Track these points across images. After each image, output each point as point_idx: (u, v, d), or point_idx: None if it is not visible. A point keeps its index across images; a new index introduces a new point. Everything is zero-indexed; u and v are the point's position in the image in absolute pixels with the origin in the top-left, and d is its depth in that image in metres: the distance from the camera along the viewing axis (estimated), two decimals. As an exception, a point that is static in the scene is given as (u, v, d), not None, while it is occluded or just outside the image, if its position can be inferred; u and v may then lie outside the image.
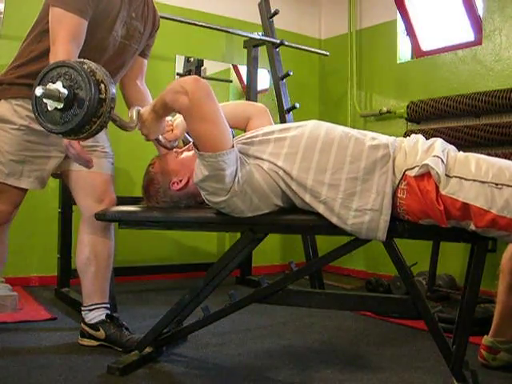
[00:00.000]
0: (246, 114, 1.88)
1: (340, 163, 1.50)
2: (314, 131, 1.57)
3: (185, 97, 1.46)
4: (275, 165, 1.54)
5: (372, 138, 1.54)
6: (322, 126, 1.60)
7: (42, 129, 1.86)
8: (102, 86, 1.39)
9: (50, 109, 1.40)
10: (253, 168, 1.55)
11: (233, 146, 1.51)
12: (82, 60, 1.44)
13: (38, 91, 1.36)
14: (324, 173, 1.50)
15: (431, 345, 1.64)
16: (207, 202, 1.61)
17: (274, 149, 1.57)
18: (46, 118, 1.43)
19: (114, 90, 1.43)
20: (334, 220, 1.49)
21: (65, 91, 1.37)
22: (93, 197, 1.96)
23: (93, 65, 1.42)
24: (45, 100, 1.39)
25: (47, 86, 1.38)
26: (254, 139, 1.63)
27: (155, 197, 1.76)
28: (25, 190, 1.91)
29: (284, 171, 1.53)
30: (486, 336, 1.90)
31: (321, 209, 1.50)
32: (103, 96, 1.39)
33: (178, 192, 1.73)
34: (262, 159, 1.56)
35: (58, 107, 1.38)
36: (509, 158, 2.79)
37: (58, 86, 1.37)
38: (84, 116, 1.37)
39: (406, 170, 1.44)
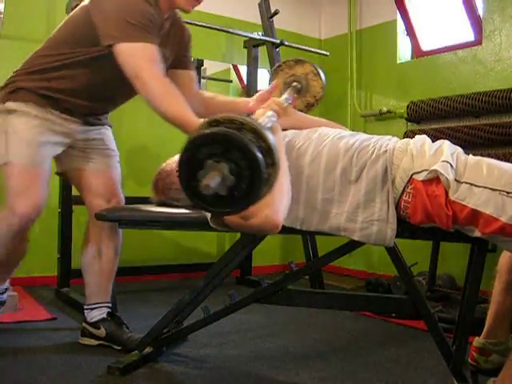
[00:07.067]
0: None
1: (346, 178, 1.46)
2: (318, 147, 1.52)
3: None
4: None
5: (374, 145, 1.48)
6: (325, 144, 1.53)
7: (51, 117, 1.79)
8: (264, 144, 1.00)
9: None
10: None
11: None
12: (236, 120, 1.00)
13: (208, 187, 0.97)
14: (332, 191, 1.47)
15: (431, 345, 1.64)
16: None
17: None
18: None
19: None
20: (342, 234, 1.46)
21: (231, 179, 1.00)
22: (102, 196, 1.96)
23: (251, 123, 1.01)
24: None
25: (212, 181, 0.97)
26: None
27: (167, 191, 1.77)
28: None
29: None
30: (477, 338, 1.83)
31: (326, 227, 1.47)
32: (270, 161, 1.01)
33: None
34: None
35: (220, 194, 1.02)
36: (509, 158, 2.79)
37: (224, 171, 0.99)
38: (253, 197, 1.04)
39: (413, 174, 1.40)
